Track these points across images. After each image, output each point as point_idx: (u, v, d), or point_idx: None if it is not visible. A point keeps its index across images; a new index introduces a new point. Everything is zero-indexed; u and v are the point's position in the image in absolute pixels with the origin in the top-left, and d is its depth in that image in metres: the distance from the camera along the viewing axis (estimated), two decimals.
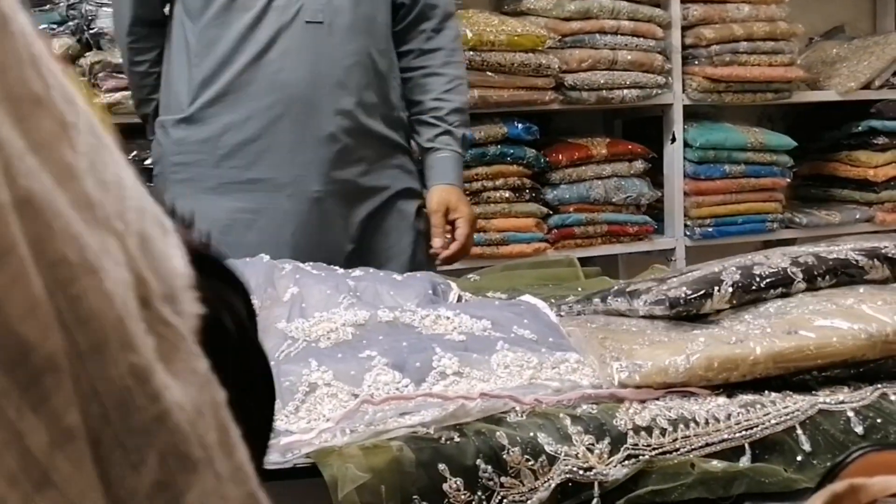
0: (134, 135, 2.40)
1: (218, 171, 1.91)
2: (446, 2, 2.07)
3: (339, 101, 1.89)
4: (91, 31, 2.44)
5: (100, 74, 2.42)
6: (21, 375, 0.25)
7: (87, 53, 2.46)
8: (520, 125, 2.75)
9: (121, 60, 2.36)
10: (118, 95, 2.41)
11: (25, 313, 0.26)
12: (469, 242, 2.01)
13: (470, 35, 2.61)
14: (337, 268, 1.60)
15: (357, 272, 1.56)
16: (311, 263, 1.55)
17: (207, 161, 1.91)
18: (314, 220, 1.90)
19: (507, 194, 2.78)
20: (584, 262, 2.11)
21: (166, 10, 1.96)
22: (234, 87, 1.88)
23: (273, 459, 0.99)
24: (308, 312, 1.31)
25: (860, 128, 3.30)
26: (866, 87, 3.27)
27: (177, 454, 0.29)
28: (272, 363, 1.16)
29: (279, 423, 1.06)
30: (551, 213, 2.86)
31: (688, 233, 3.05)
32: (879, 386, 1.14)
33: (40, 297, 0.26)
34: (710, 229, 3.06)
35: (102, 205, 0.30)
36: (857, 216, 3.29)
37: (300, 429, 1.03)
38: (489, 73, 2.68)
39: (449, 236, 1.98)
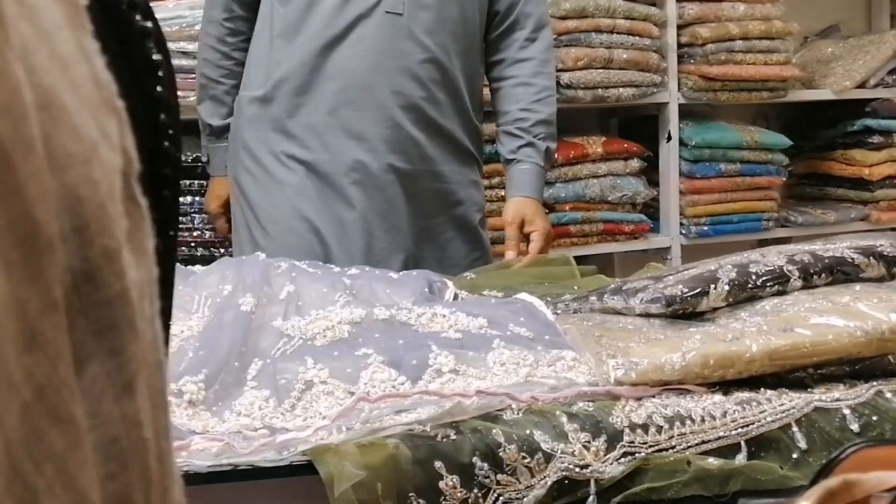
0: None
1: (285, 152, 1.94)
2: (541, 11, 2.07)
3: (407, 92, 1.90)
4: None
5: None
6: (28, 251, 0.29)
7: None
8: None
9: None
10: None
11: (40, 198, 0.29)
12: (542, 258, 2.00)
13: None
14: (333, 266, 1.60)
15: (353, 270, 1.56)
16: (307, 262, 1.56)
17: (276, 141, 1.95)
18: (378, 206, 1.92)
19: (502, 193, 2.78)
20: (580, 260, 2.11)
21: None
22: (306, 70, 1.91)
23: (270, 457, 0.99)
24: (304, 310, 1.31)
25: (855, 127, 3.30)
26: (861, 85, 3.27)
27: (129, 325, 0.33)
28: (268, 361, 1.17)
29: (275, 420, 1.06)
30: (547, 211, 2.86)
31: (683, 231, 3.05)
32: (875, 383, 1.15)
33: (49, 186, 0.30)
34: (706, 228, 3.06)
35: (108, 84, 0.33)
36: (853, 215, 3.29)
37: (296, 426, 1.04)
38: None
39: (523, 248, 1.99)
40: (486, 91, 2.12)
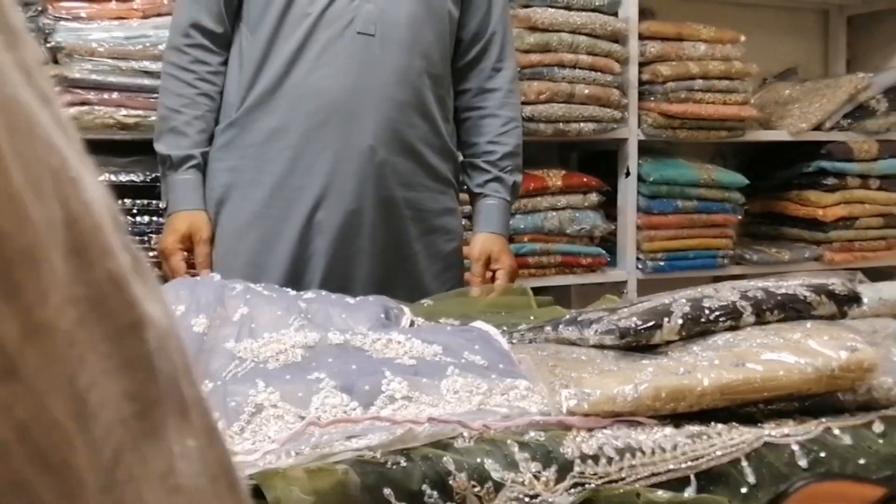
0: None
1: (259, 177, 1.91)
2: (506, 41, 2.06)
3: (381, 114, 1.88)
4: (48, 45, 2.41)
5: (56, 89, 2.39)
6: None
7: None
8: None
9: (77, 75, 2.35)
10: (74, 111, 2.39)
11: (1, 206, 0.26)
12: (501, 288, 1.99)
13: None
14: (289, 290, 1.59)
15: (309, 294, 1.55)
16: (262, 284, 1.54)
17: (250, 167, 1.91)
18: (347, 233, 1.89)
19: (463, 222, 2.78)
20: (538, 291, 2.11)
21: (228, 26, 1.96)
22: (279, 94, 1.89)
23: None
24: (257, 333, 1.30)
25: (810, 168, 3.36)
26: (817, 128, 3.33)
27: (146, 366, 0.29)
28: (219, 383, 1.15)
29: None
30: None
31: (640, 266, 3.07)
32: (824, 420, 1.16)
33: (19, 192, 0.26)
34: (662, 263, 3.09)
35: (74, 135, 0.32)
36: (807, 255, 3.34)
37: (244, 450, 1.02)
38: None
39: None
40: None
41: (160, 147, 1.99)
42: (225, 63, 1.97)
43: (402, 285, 1.87)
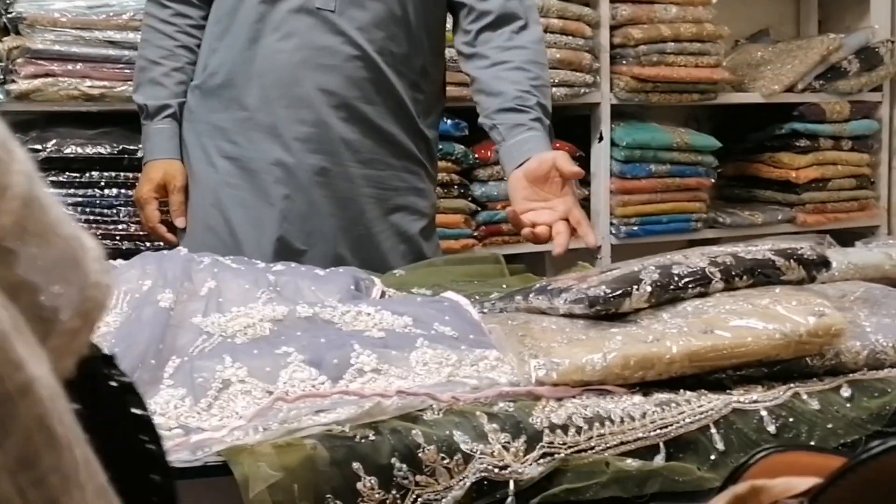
0: (47, 125, 2.36)
1: (215, 146, 1.90)
2: (526, 7, 1.92)
3: (336, 90, 1.85)
4: (9, 16, 2.37)
5: (18, 60, 2.36)
6: None
7: (5, 38, 2.40)
8: (449, 121, 2.74)
9: (40, 46, 2.32)
10: (37, 82, 2.36)
11: None
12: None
13: None
14: (258, 262, 1.57)
15: (278, 266, 1.54)
16: (231, 257, 1.53)
17: (207, 133, 1.91)
18: (298, 207, 1.88)
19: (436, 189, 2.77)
20: (512, 259, 2.11)
21: None
22: (236, 62, 1.87)
23: (183, 457, 0.97)
24: (225, 307, 1.29)
25: (783, 130, 3.36)
26: (789, 89, 3.33)
27: (41, 428, 0.28)
28: (186, 359, 1.14)
29: (191, 420, 1.04)
30: (479, 209, 2.86)
31: (613, 231, 3.08)
32: (792, 385, 1.16)
33: None
34: (636, 228, 3.09)
35: None
36: (780, 217, 3.35)
37: (212, 426, 1.01)
38: None
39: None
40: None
41: (138, 97, 1.97)
42: (206, 18, 1.94)
43: (367, 266, 1.85)
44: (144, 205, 1.95)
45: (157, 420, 1.02)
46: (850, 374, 1.20)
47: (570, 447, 1.03)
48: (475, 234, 2.85)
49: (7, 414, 0.27)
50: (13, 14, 2.34)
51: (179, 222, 1.93)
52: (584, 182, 3.04)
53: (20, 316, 0.30)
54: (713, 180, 3.23)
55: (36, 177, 0.33)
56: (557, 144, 2.94)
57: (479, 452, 1.00)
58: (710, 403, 1.11)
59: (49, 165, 2.36)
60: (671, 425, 1.08)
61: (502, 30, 1.89)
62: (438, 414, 1.05)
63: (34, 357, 0.29)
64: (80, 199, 2.41)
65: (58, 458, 0.28)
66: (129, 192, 2.37)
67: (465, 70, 1.96)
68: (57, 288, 0.32)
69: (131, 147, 2.36)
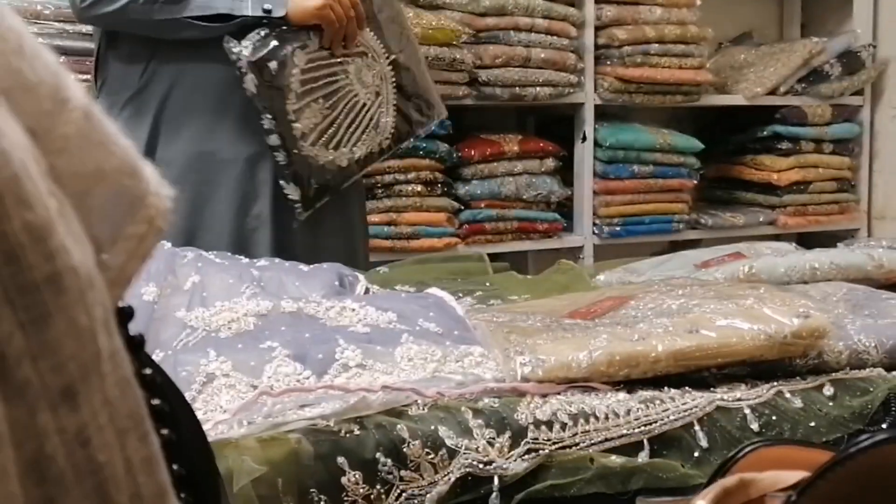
0: None
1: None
2: None
3: None
4: None
5: None
6: None
7: None
8: None
9: None
10: None
11: None
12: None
13: None
14: (242, 257, 1.57)
15: (262, 262, 1.54)
16: (214, 252, 1.52)
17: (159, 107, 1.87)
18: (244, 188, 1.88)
19: (418, 188, 2.77)
20: (495, 257, 2.11)
21: None
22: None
23: None
24: (209, 301, 1.28)
25: (765, 132, 3.37)
26: (772, 92, 3.35)
27: (66, 317, 0.29)
28: (170, 352, 1.13)
29: None
30: (462, 208, 2.86)
31: (596, 231, 3.08)
32: (775, 384, 1.17)
33: None
34: (618, 228, 3.10)
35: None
36: (761, 219, 3.36)
37: None
38: None
39: None
40: None
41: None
42: None
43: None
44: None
45: None
46: (833, 374, 1.21)
47: (554, 443, 1.03)
48: (458, 232, 2.85)
49: (33, 302, 0.28)
50: None
51: None
52: (568, 182, 3.04)
53: (68, 205, 0.31)
54: (695, 181, 3.24)
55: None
56: (542, 144, 2.96)
57: (463, 448, 1.00)
58: (694, 401, 1.11)
59: None
60: (655, 422, 1.08)
61: None
62: (423, 409, 1.04)
63: (76, 246, 0.29)
64: None
65: (79, 348, 0.29)
66: None
67: None
68: (120, 195, 0.33)
69: None
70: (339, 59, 1.87)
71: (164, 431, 0.40)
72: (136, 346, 0.42)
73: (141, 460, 0.31)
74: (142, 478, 0.31)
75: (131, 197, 0.34)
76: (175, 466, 0.42)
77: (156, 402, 0.41)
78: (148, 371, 0.42)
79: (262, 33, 1.78)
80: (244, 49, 1.77)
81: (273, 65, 1.78)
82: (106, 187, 0.33)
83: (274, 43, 1.78)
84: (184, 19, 1.79)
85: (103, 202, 0.33)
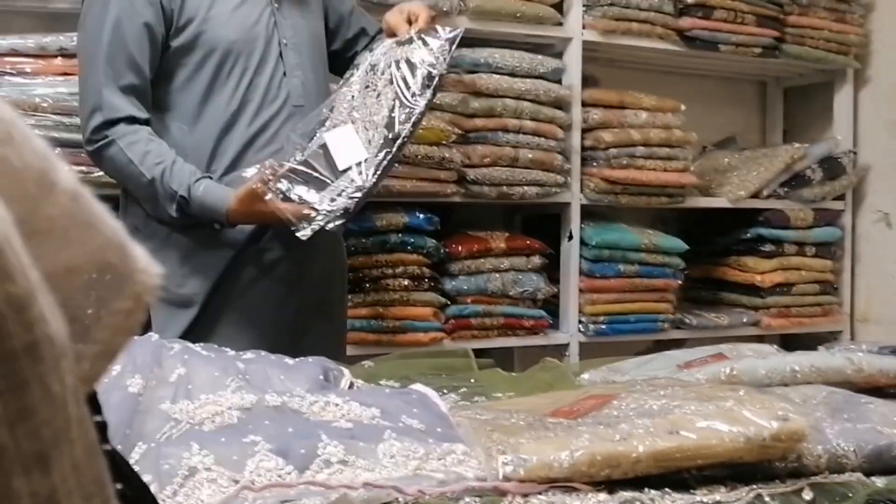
0: None
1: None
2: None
3: None
4: None
5: None
6: None
7: None
8: (421, 215, 2.78)
9: None
10: None
11: None
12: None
13: None
14: (228, 350, 1.58)
15: (248, 354, 1.54)
16: (201, 345, 1.53)
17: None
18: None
19: (406, 282, 2.79)
20: (480, 353, 2.12)
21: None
22: (234, 165, 2.05)
23: None
24: (194, 394, 1.29)
25: (749, 234, 3.43)
26: (755, 195, 3.41)
27: (41, 384, 0.30)
28: (153, 445, 1.14)
29: None
30: (449, 303, 2.88)
31: (582, 329, 3.10)
32: (755, 486, 1.17)
33: None
34: (604, 326, 3.11)
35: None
36: (745, 320, 3.39)
37: None
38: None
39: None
40: None
41: (168, 190, 1.98)
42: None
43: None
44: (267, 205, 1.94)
45: None
46: (812, 477, 1.21)
47: None
48: (444, 327, 2.86)
49: (11, 370, 0.29)
50: None
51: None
52: (554, 280, 3.07)
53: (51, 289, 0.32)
54: (680, 282, 3.27)
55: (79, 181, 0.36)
56: (528, 241, 2.99)
57: None
58: (674, 503, 1.12)
59: None
60: None
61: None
62: None
63: (53, 316, 0.31)
64: None
65: (52, 414, 0.30)
66: None
67: None
68: (106, 272, 0.34)
69: None
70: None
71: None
72: (101, 428, 0.43)
73: None
74: None
75: (118, 274, 0.36)
76: None
77: (118, 486, 0.42)
78: (108, 448, 0.43)
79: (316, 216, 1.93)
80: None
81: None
82: (91, 265, 0.35)
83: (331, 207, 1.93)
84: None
85: (88, 279, 0.35)
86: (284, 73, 2.09)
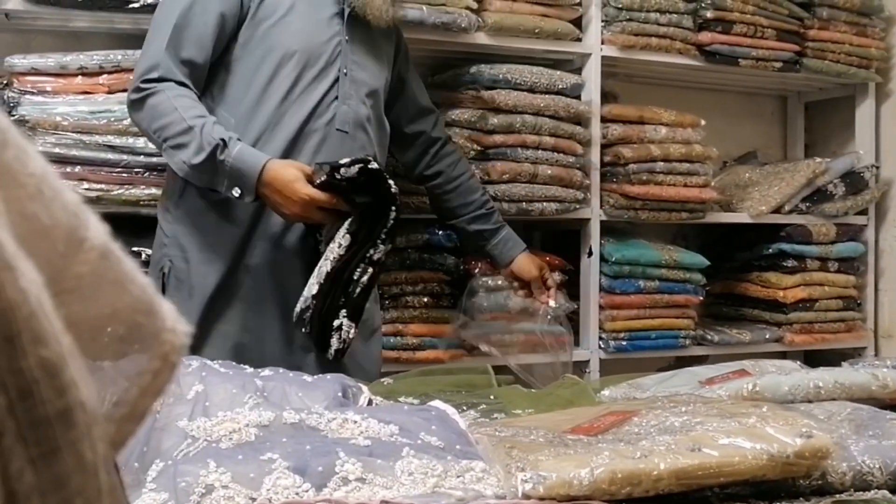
0: None
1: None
2: (440, 131, 2.56)
3: None
4: (13, 118, 2.41)
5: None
6: None
7: None
8: (441, 232, 2.77)
9: (40, 149, 2.35)
10: None
11: None
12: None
13: None
14: (246, 367, 1.57)
15: (266, 371, 1.54)
16: (219, 361, 1.53)
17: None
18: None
19: (425, 300, 2.79)
20: (500, 369, 2.11)
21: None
22: None
23: None
24: (211, 411, 1.29)
25: (771, 250, 3.40)
26: (777, 210, 3.38)
27: (74, 452, 0.29)
28: (170, 462, 1.13)
29: None
30: (468, 320, 2.87)
31: (602, 345, 3.08)
32: None
33: None
34: (625, 343, 3.10)
35: (13, 218, 0.32)
36: (767, 336, 3.36)
37: None
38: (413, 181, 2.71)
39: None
40: None
41: (211, 133, 2.00)
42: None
43: None
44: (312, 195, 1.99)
45: None
46: (837, 495, 1.19)
47: None
48: (464, 344, 2.85)
49: (44, 437, 0.28)
50: (16, 117, 2.38)
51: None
52: (574, 296, 3.05)
53: (77, 345, 0.31)
54: (701, 298, 3.25)
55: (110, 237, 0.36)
56: (548, 258, 2.98)
57: None
58: None
59: None
60: None
61: (446, 148, 2.54)
62: None
63: (84, 382, 0.30)
64: None
65: (85, 482, 0.29)
66: None
67: (427, 186, 2.56)
68: (134, 331, 0.34)
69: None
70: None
71: None
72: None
73: None
74: None
75: (145, 334, 0.35)
76: None
77: None
78: None
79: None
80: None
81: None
82: (119, 325, 0.34)
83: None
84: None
85: (116, 339, 0.34)
86: (336, 98, 2.16)
